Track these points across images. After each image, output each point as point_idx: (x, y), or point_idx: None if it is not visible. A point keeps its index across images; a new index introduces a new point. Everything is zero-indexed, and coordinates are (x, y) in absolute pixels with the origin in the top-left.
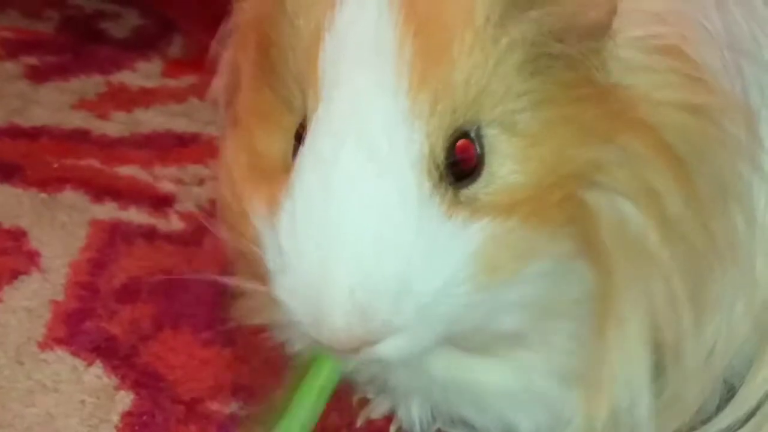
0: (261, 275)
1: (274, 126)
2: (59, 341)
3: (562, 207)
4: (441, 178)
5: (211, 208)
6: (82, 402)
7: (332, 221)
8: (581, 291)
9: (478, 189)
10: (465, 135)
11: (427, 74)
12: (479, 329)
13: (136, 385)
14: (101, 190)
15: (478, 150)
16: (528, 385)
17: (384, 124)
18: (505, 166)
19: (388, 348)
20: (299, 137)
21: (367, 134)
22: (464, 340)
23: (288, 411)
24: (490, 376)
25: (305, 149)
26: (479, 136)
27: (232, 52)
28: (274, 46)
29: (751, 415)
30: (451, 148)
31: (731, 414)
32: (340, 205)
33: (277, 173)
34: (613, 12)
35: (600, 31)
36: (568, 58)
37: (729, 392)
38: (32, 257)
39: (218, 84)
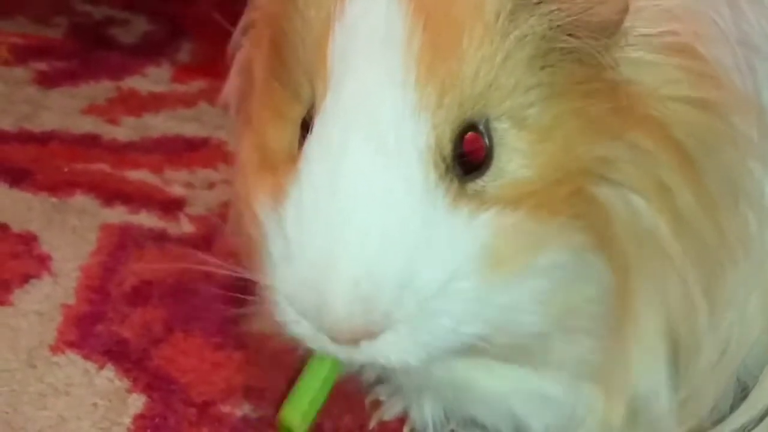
0: (262, 265)
1: (282, 118)
2: (71, 344)
3: (570, 201)
4: (447, 170)
5: (222, 212)
6: (94, 405)
7: (338, 211)
8: (598, 288)
9: (486, 182)
10: (473, 128)
11: (435, 67)
12: (499, 331)
13: (148, 388)
14: (111, 194)
15: (487, 143)
16: (538, 386)
17: (391, 115)
18: (513, 160)
19: (388, 347)
20: (305, 126)
21: (375, 126)
22: (489, 346)
23: (292, 396)
24: (499, 378)
25: (313, 139)
26: (488, 129)
27: (245, 51)
28: (284, 39)
29: (765, 413)
30: (458, 141)
31: (745, 413)
32: (346, 195)
33: (282, 162)
34: (624, 11)
35: (611, 29)
36: (578, 53)
37: (743, 391)
38: (43, 261)
39: (230, 86)
